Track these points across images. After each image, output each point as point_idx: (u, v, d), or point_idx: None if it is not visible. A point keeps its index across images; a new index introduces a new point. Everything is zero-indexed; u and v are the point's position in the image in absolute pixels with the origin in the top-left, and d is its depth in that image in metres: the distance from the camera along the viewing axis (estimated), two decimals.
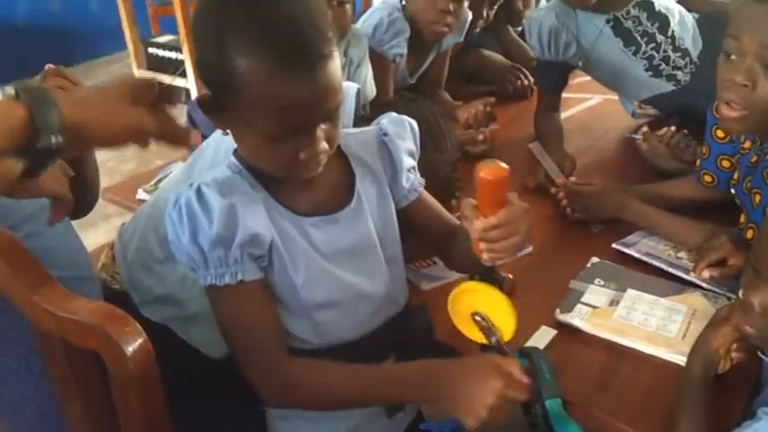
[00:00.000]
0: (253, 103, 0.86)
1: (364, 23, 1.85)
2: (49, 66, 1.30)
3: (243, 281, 0.93)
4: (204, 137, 1.79)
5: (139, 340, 0.84)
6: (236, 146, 1.01)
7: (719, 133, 1.40)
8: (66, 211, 1.11)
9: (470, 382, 0.90)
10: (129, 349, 0.83)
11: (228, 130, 0.94)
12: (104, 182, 3.74)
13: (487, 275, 0.94)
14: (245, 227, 0.92)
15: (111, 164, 3.73)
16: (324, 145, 0.91)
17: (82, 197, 1.34)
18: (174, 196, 0.94)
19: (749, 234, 1.24)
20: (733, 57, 1.14)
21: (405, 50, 1.84)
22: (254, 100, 0.86)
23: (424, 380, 0.94)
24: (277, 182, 0.97)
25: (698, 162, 1.49)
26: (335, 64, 0.88)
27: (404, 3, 1.83)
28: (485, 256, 0.91)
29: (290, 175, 0.94)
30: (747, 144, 1.29)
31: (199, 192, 0.92)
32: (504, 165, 0.87)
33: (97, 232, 3.07)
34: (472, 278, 0.96)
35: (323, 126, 0.90)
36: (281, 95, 0.85)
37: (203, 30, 0.89)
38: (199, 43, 0.90)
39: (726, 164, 1.41)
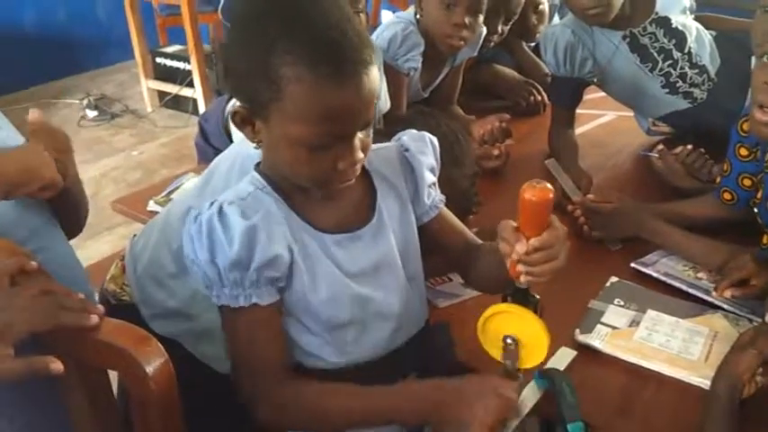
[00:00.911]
0: (298, 113, 0.85)
1: (379, 37, 1.84)
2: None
3: (256, 304, 0.92)
4: (215, 149, 1.79)
5: (161, 360, 0.83)
6: (255, 161, 1.00)
7: (743, 151, 1.39)
8: (55, 191, 1.15)
9: (469, 402, 0.89)
10: (150, 369, 0.82)
11: (262, 143, 0.93)
12: (110, 191, 3.74)
13: (521, 297, 0.91)
14: (264, 249, 0.90)
15: (116, 173, 3.73)
16: (360, 153, 0.91)
17: (72, 217, 1.33)
18: (194, 212, 0.93)
19: None
20: None
21: (419, 64, 1.83)
22: (299, 109, 0.85)
23: (425, 403, 0.93)
24: (301, 199, 0.96)
25: (718, 179, 1.48)
26: (376, 71, 0.88)
27: (419, 17, 1.82)
28: (522, 278, 0.89)
29: (326, 186, 0.94)
30: None
31: (221, 211, 0.91)
32: (549, 186, 0.85)
33: (101, 242, 3.06)
34: (504, 299, 0.94)
35: (360, 134, 0.90)
36: (328, 102, 0.85)
37: (243, 42, 0.88)
38: (236, 56, 0.89)
39: (747, 182, 1.40)
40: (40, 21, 4.67)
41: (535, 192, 0.85)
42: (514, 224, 0.89)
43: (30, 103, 4.46)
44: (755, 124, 1.19)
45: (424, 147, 1.08)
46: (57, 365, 0.84)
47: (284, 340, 0.98)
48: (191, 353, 1.30)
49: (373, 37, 1.86)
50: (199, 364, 1.30)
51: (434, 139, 1.10)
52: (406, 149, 1.07)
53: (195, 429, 1.04)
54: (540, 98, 2.19)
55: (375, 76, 0.88)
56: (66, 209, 1.28)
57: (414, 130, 1.11)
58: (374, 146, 1.09)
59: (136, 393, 0.87)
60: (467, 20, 1.75)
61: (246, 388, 0.97)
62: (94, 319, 0.90)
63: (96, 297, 1.35)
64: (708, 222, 1.46)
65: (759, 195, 1.31)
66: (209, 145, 1.86)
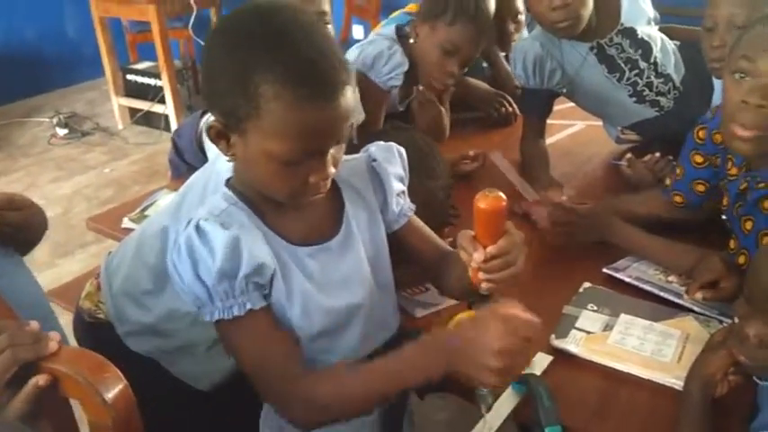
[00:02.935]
0: (274, 129, 0.87)
1: (363, 53, 1.82)
2: None
3: (251, 310, 0.92)
4: (189, 165, 1.78)
5: (120, 386, 0.81)
6: (226, 177, 1.01)
7: (698, 158, 1.41)
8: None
9: (472, 339, 0.86)
10: (110, 396, 0.80)
11: (236, 157, 0.94)
12: (82, 209, 3.70)
13: (484, 303, 0.93)
14: (250, 257, 0.91)
15: (88, 191, 3.69)
16: (332, 168, 0.93)
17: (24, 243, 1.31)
18: (172, 238, 0.94)
19: (741, 260, 1.25)
20: (747, 78, 1.14)
21: (401, 82, 1.83)
22: (276, 126, 0.86)
23: (432, 357, 0.90)
24: (272, 212, 0.98)
25: (668, 181, 1.50)
26: (351, 91, 0.90)
27: (411, 41, 1.81)
28: (483, 285, 0.91)
29: (296, 199, 0.95)
30: (734, 170, 1.30)
31: (198, 228, 0.92)
32: (502, 195, 0.88)
33: (74, 261, 3.03)
34: (470, 306, 0.96)
35: (331, 150, 0.91)
36: (305, 121, 0.86)
37: (224, 59, 0.89)
38: (216, 72, 0.90)
39: (701, 188, 1.42)
40: (8, 39, 4.61)
41: (488, 201, 0.87)
42: (472, 233, 0.91)
43: None
44: (734, 140, 1.18)
45: (391, 157, 1.10)
46: (42, 378, 0.83)
47: (290, 336, 0.97)
48: (166, 370, 1.30)
49: (356, 52, 1.85)
50: (175, 381, 1.30)
51: (402, 150, 1.13)
52: (374, 159, 1.09)
53: None
54: (510, 109, 2.22)
55: (350, 97, 0.90)
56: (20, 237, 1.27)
57: (381, 142, 1.13)
58: (344, 157, 1.11)
59: (95, 421, 0.84)
60: (456, 70, 1.76)
61: (271, 394, 0.96)
62: (52, 345, 0.89)
63: (61, 321, 1.31)
64: (658, 221, 1.47)
65: (725, 202, 1.33)
66: (183, 161, 1.85)
